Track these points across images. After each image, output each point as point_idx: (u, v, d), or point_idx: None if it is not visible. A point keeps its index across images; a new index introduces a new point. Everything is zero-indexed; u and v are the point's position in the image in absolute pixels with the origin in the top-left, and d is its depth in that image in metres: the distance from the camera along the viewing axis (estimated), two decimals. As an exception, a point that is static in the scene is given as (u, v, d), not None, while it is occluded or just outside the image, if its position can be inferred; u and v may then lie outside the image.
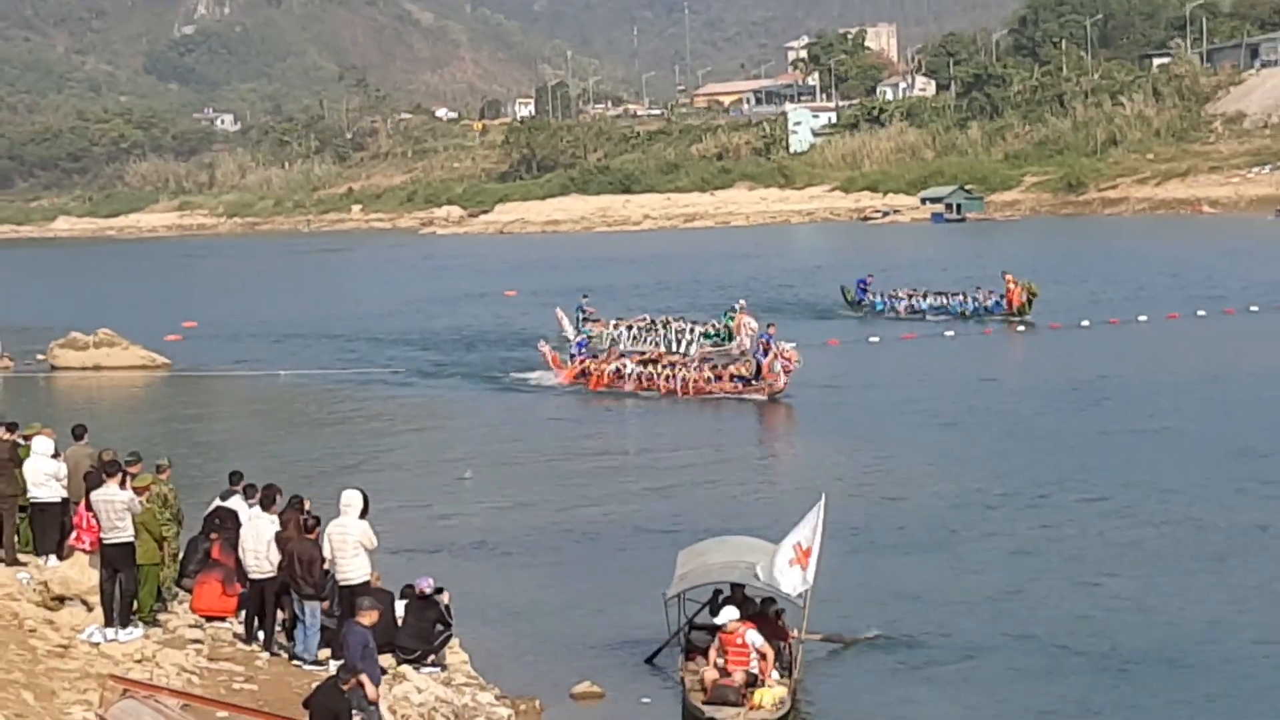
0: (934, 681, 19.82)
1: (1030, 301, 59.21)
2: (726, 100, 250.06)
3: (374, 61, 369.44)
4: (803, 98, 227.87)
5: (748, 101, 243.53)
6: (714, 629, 19.67)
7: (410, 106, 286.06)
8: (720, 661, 18.84)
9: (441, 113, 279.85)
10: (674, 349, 49.37)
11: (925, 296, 63.72)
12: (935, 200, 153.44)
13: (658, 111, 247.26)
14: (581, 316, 55.04)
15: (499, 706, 18.65)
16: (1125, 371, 46.43)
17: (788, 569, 19.30)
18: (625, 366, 46.71)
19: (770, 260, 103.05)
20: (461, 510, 30.61)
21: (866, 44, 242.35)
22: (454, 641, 20.24)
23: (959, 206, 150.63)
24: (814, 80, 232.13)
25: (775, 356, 43.18)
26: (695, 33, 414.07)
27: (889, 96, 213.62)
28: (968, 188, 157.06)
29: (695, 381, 44.90)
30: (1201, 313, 59.87)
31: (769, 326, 46.10)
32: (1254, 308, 60.83)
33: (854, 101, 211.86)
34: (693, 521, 27.52)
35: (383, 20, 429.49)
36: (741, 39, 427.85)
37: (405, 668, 19.24)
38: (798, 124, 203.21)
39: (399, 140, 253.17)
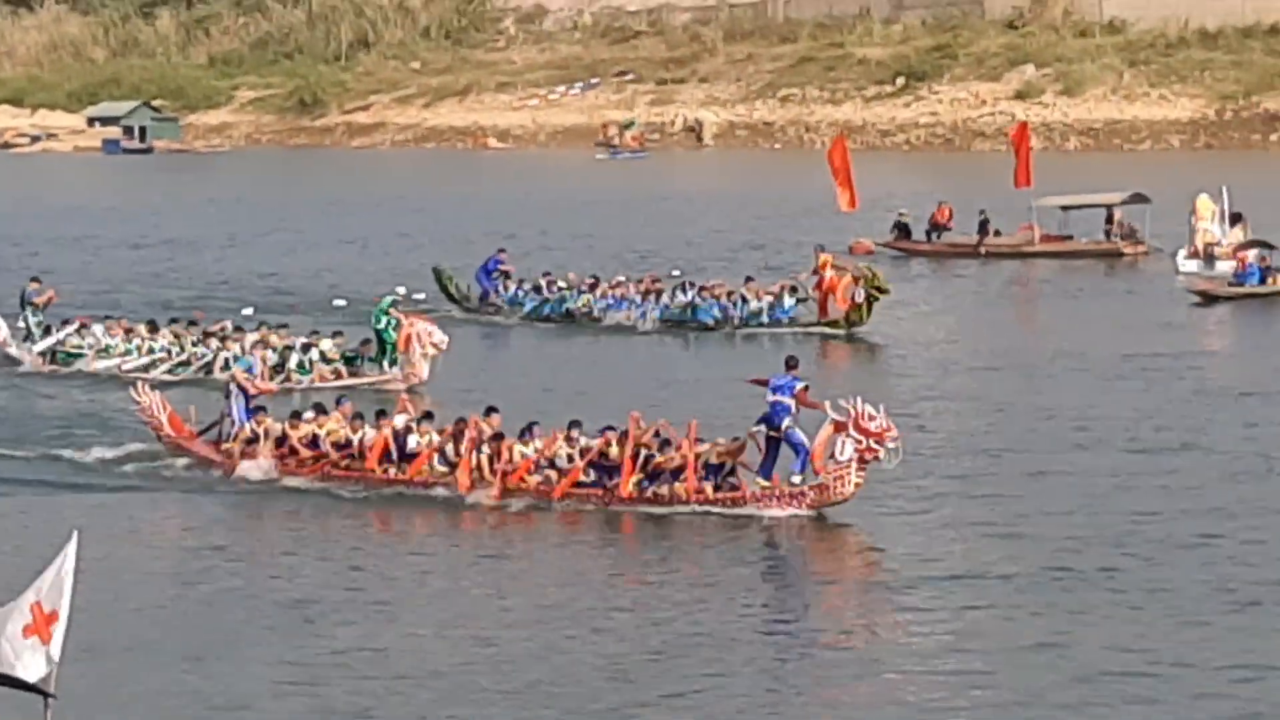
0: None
1: (871, 303, 41.31)
2: None
3: None
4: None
5: None
6: None
7: None
8: None
9: None
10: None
11: (631, 288, 43.40)
12: (110, 121, 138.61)
13: None
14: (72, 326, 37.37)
15: None
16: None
17: (21, 641, 14.52)
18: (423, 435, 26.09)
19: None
20: None
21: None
22: None
23: (143, 131, 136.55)
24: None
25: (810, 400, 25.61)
26: None
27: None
28: (156, 105, 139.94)
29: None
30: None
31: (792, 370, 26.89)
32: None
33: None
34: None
35: None
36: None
37: None
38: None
39: None
